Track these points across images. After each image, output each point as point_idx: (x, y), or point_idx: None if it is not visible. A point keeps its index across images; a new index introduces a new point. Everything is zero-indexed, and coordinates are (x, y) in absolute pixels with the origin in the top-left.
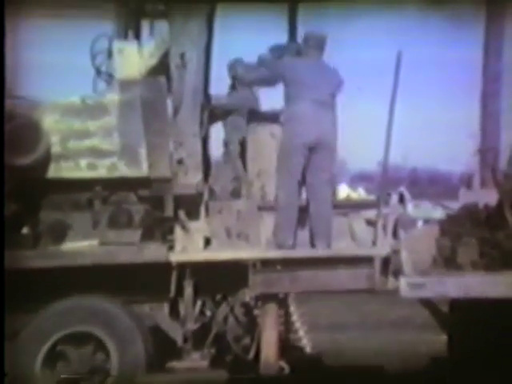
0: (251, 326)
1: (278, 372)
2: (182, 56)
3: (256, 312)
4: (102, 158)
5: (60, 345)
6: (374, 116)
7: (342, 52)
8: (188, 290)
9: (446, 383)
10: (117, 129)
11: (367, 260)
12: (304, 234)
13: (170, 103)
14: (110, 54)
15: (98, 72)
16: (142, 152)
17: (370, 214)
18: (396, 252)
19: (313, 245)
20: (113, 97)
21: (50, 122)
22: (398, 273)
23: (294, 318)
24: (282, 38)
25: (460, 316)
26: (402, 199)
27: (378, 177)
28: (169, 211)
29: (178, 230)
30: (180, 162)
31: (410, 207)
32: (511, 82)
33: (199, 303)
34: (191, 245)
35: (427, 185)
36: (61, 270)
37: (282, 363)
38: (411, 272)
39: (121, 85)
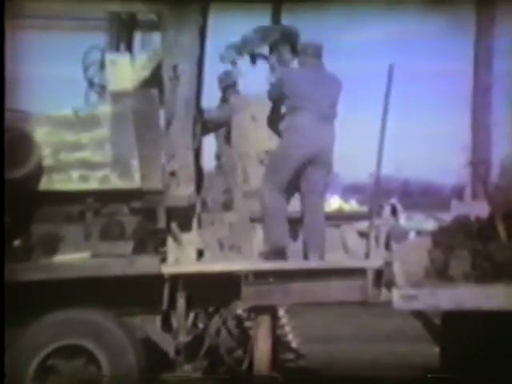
0: (244, 338)
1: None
2: (175, 68)
3: (248, 324)
4: (94, 170)
5: (51, 358)
6: (366, 127)
7: (335, 63)
8: (180, 302)
9: None
10: (109, 141)
11: (360, 272)
12: (296, 246)
13: (162, 115)
14: (102, 66)
15: (91, 84)
16: (135, 164)
17: (363, 225)
18: (388, 264)
19: (306, 257)
20: (105, 109)
21: (41, 134)
22: (390, 285)
23: (287, 329)
24: None
25: (452, 328)
26: (394, 211)
27: (371, 188)
28: (161, 223)
29: (170, 242)
30: (172, 174)
31: (402, 219)
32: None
33: (192, 315)
34: (183, 257)
35: (419, 196)
36: (52, 282)
37: (275, 374)
38: (404, 284)
39: (113, 97)
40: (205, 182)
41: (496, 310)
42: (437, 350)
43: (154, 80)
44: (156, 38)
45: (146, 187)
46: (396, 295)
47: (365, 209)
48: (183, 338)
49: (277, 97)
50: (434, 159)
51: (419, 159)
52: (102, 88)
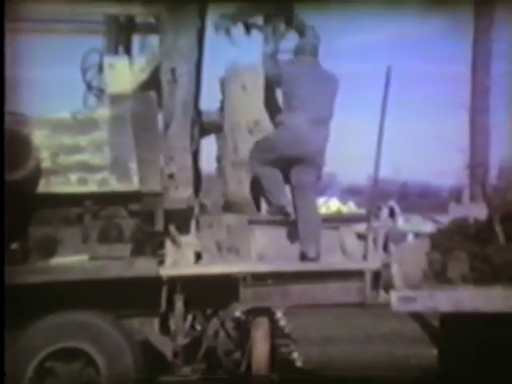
0: (242, 341)
1: None
2: (173, 71)
3: (247, 326)
4: (92, 173)
5: (49, 361)
6: (364, 130)
7: (332, 65)
8: (178, 305)
9: None
10: (107, 143)
11: (358, 274)
12: (294, 249)
13: (160, 118)
14: (100, 69)
15: (89, 87)
16: (133, 166)
17: (361, 227)
18: (387, 266)
19: (303, 253)
20: (103, 112)
21: (40, 137)
22: (388, 287)
23: (285, 331)
24: None
25: (450, 330)
26: (392, 213)
27: (369, 190)
28: (159, 226)
29: (168, 245)
30: (171, 176)
31: (400, 221)
32: (499, 97)
33: (190, 318)
34: (182, 259)
35: (417, 199)
36: (50, 285)
37: (273, 376)
38: (402, 286)
39: (111, 99)
40: (203, 184)
41: (494, 312)
42: (435, 352)
43: (153, 83)
44: (154, 40)
45: (144, 190)
46: (394, 297)
47: (363, 211)
48: (181, 341)
49: (273, 84)
50: (432, 161)
51: (417, 161)
52: (101, 91)
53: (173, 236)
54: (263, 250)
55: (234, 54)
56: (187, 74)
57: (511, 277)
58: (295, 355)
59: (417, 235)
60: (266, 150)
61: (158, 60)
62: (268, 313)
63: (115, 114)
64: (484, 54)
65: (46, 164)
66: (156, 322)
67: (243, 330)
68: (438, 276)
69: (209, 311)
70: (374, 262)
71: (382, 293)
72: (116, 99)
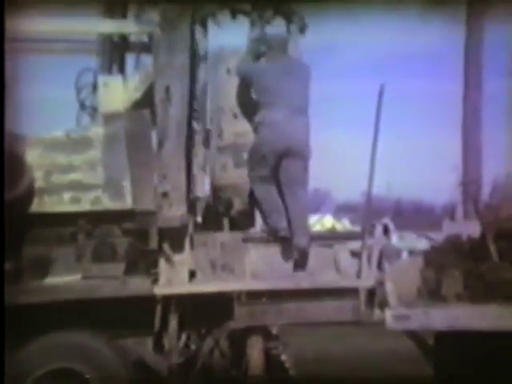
0: (237, 359)
1: None
2: (167, 89)
3: (242, 344)
4: (85, 192)
5: (43, 381)
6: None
7: (327, 83)
8: (172, 324)
9: None
10: (101, 162)
11: (352, 292)
12: (288, 266)
13: (154, 136)
14: (94, 88)
15: (83, 106)
16: (127, 185)
17: (355, 245)
18: (381, 283)
19: (297, 264)
20: (97, 130)
21: (33, 156)
22: (383, 304)
23: (280, 349)
24: None
25: (445, 348)
26: (386, 230)
27: (363, 208)
28: (153, 244)
29: (162, 263)
30: (164, 194)
31: (394, 238)
32: (491, 115)
33: (184, 336)
34: (176, 278)
35: (411, 216)
36: (44, 305)
37: None
38: (396, 304)
39: (105, 118)
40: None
41: (488, 329)
42: (430, 369)
43: (146, 101)
44: (148, 59)
45: (138, 208)
46: (389, 315)
47: (357, 228)
48: (175, 360)
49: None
50: (426, 179)
51: (411, 179)
52: (94, 110)
53: (167, 254)
54: (257, 267)
55: (220, 39)
56: (181, 91)
57: (505, 294)
58: (290, 373)
59: (411, 253)
60: (258, 160)
61: (151, 78)
62: (263, 331)
63: (109, 133)
64: (476, 72)
65: (39, 183)
66: (150, 341)
67: (238, 348)
68: (432, 294)
69: (203, 330)
70: (368, 280)
71: (376, 311)
72: (110, 118)
